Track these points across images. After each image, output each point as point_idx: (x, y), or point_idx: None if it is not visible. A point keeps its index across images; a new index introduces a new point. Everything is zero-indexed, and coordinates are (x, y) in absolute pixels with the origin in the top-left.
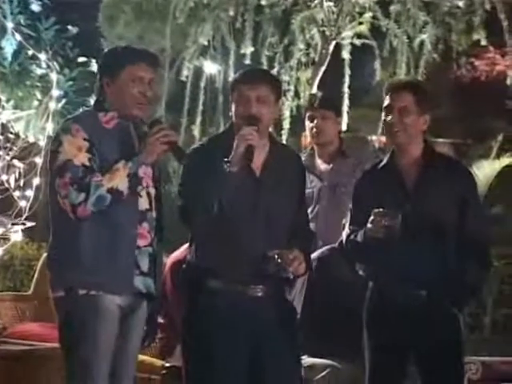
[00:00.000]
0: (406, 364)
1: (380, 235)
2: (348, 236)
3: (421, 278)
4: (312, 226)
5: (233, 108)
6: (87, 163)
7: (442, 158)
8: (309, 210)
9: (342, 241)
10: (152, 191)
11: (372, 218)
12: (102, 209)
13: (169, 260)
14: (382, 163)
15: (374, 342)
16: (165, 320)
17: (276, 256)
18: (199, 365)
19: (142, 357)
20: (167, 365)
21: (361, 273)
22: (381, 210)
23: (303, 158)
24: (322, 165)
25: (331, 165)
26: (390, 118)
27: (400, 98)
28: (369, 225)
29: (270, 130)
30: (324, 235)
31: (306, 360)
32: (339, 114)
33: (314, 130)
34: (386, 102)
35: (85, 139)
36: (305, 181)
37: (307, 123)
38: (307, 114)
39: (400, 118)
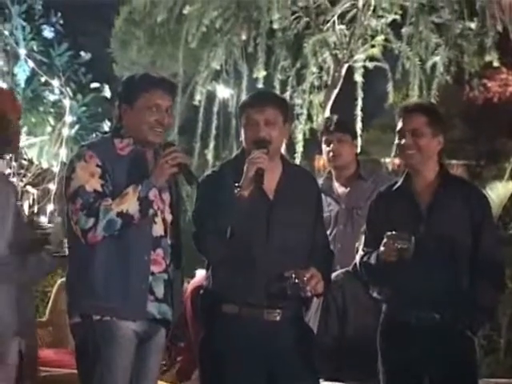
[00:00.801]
0: None
1: (393, 258)
2: (361, 258)
3: (434, 300)
4: None
5: (242, 133)
6: (99, 189)
7: (456, 180)
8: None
9: (355, 264)
10: (168, 217)
11: (385, 240)
12: (113, 233)
13: (189, 285)
14: (397, 185)
15: (389, 365)
16: (184, 344)
17: (293, 275)
18: None
19: (160, 382)
20: None
21: (375, 295)
22: (394, 233)
23: (321, 182)
24: (339, 188)
25: (348, 188)
26: (403, 140)
27: (412, 120)
28: (382, 248)
29: (283, 152)
30: (341, 259)
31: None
32: (355, 136)
33: (331, 153)
34: (399, 125)
35: (98, 165)
36: (321, 200)
37: (324, 147)
38: (323, 138)
39: (413, 140)
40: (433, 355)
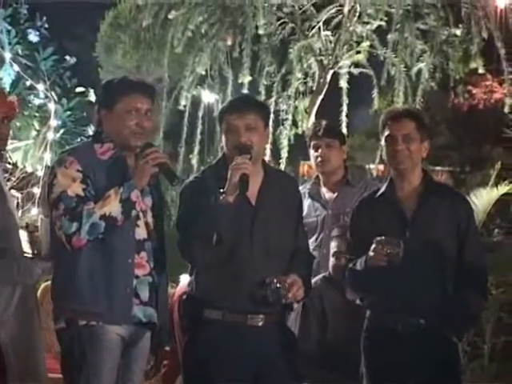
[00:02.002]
0: None
1: (382, 263)
2: (346, 265)
3: (419, 306)
4: (316, 254)
5: (223, 139)
6: (81, 193)
7: (440, 186)
8: (313, 239)
9: (329, 271)
10: (151, 220)
11: (374, 246)
12: (97, 237)
13: (176, 291)
14: (380, 192)
15: (374, 370)
16: (170, 348)
17: (274, 282)
18: None
19: None
20: None
21: (357, 302)
22: (383, 238)
23: (308, 187)
24: (327, 193)
25: (336, 193)
26: (394, 146)
27: (402, 126)
28: (370, 253)
29: (268, 159)
30: (326, 264)
31: None
32: (343, 142)
33: (319, 158)
34: (387, 131)
35: (78, 170)
36: (301, 204)
37: (312, 152)
38: (312, 143)
39: (405, 146)
40: (418, 360)
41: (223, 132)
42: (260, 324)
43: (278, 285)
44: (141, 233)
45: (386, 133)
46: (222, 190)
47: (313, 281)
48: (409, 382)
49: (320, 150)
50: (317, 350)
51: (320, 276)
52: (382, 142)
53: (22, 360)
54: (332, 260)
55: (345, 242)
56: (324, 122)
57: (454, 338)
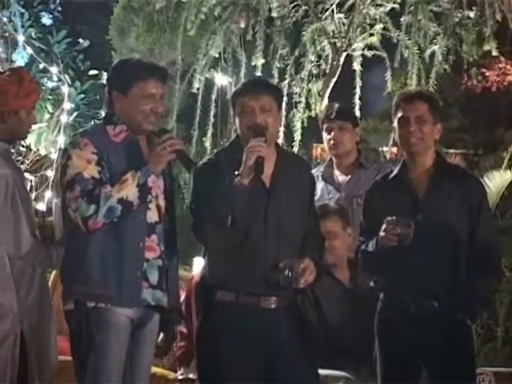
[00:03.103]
0: (418, 374)
1: (393, 243)
2: (359, 247)
3: (432, 288)
4: None
5: (236, 121)
6: (97, 176)
7: (452, 168)
8: None
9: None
10: (162, 203)
11: (385, 226)
12: (112, 220)
13: (196, 274)
14: (393, 174)
15: (387, 353)
16: (188, 330)
17: (287, 267)
18: (213, 378)
19: (154, 369)
20: (180, 377)
21: (372, 284)
22: (394, 218)
23: (321, 169)
24: (340, 176)
25: (349, 176)
26: (407, 128)
27: (416, 107)
28: (381, 233)
29: (281, 142)
30: None
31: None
32: (356, 124)
33: (332, 141)
34: (400, 113)
35: (93, 152)
36: (314, 187)
37: (324, 135)
38: (324, 126)
39: (418, 128)
40: (431, 343)
41: (237, 114)
42: (273, 306)
43: (291, 271)
44: (152, 216)
45: (399, 114)
46: (236, 173)
47: None
48: (422, 363)
49: (333, 133)
50: (327, 333)
51: None
52: (395, 124)
53: (39, 345)
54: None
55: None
56: (336, 105)
57: (467, 320)
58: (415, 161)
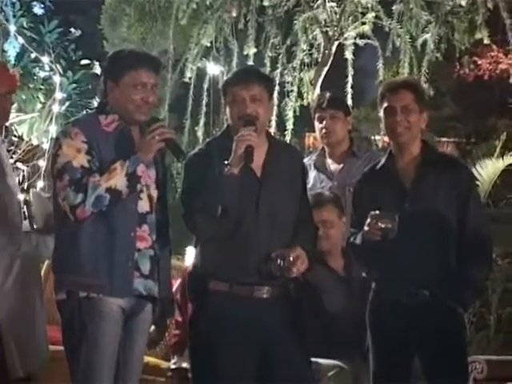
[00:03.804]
0: (411, 364)
1: (377, 237)
2: (348, 238)
3: (423, 277)
4: None
5: (227, 110)
6: (86, 165)
7: (440, 156)
8: None
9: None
10: (154, 193)
11: (368, 220)
12: (101, 209)
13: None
14: (380, 164)
15: (379, 342)
16: (181, 318)
17: (279, 257)
18: (206, 368)
19: (147, 358)
20: (173, 367)
21: (363, 274)
22: (377, 212)
23: (313, 158)
24: (332, 165)
25: (341, 165)
26: (393, 118)
27: (400, 97)
28: (365, 227)
29: (273, 131)
30: None
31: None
32: (348, 113)
33: (324, 130)
34: (386, 103)
35: (83, 141)
36: (305, 175)
37: (316, 124)
38: (316, 115)
39: (404, 117)
40: (423, 332)
41: (228, 103)
42: (265, 296)
43: (283, 260)
44: (143, 206)
45: (385, 104)
46: (226, 162)
47: None
48: (414, 353)
49: (324, 122)
50: (319, 322)
51: None
52: (381, 114)
53: (23, 334)
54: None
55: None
56: (328, 94)
57: (459, 308)
58: (402, 150)
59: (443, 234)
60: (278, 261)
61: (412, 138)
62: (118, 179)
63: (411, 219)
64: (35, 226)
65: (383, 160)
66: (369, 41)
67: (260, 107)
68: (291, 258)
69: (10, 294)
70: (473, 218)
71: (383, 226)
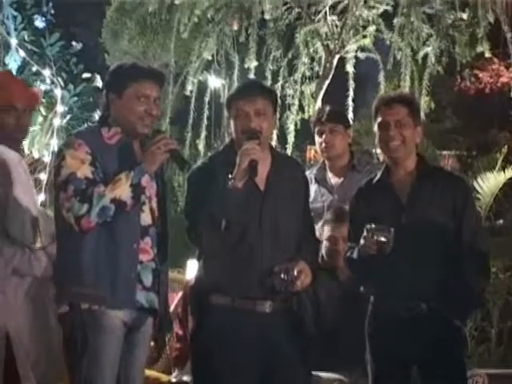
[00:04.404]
0: (409, 377)
1: (372, 251)
2: (345, 253)
3: (420, 290)
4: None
5: (231, 124)
6: (90, 176)
7: (435, 170)
8: (319, 224)
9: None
10: (155, 206)
11: (364, 234)
12: (106, 220)
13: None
14: (376, 178)
15: (378, 355)
16: (182, 332)
17: (282, 271)
18: (207, 382)
19: (148, 372)
20: (173, 380)
21: (361, 289)
22: (373, 225)
23: (314, 171)
24: (332, 178)
25: (342, 178)
26: (387, 132)
27: (394, 111)
28: (361, 241)
29: (274, 144)
30: None
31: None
32: (348, 126)
33: (323, 144)
34: (380, 117)
35: (87, 153)
36: (308, 189)
37: (316, 138)
38: (316, 129)
39: (398, 131)
40: (421, 345)
41: (232, 117)
42: (268, 310)
43: (287, 274)
44: (146, 218)
45: (379, 119)
46: (230, 176)
47: None
48: (413, 365)
49: (324, 136)
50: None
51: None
52: (375, 129)
53: (36, 346)
54: (326, 244)
55: (339, 226)
56: (327, 108)
57: (457, 321)
58: (397, 165)
59: (440, 247)
60: (282, 275)
61: (407, 153)
62: (122, 190)
63: (408, 233)
64: (40, 244)
65: (379, 174)
66: (370, 54)
67: (264, 121)
68: (295, 272)
69: (22, 307)
70: (468, 228)
71: (379, 239)
